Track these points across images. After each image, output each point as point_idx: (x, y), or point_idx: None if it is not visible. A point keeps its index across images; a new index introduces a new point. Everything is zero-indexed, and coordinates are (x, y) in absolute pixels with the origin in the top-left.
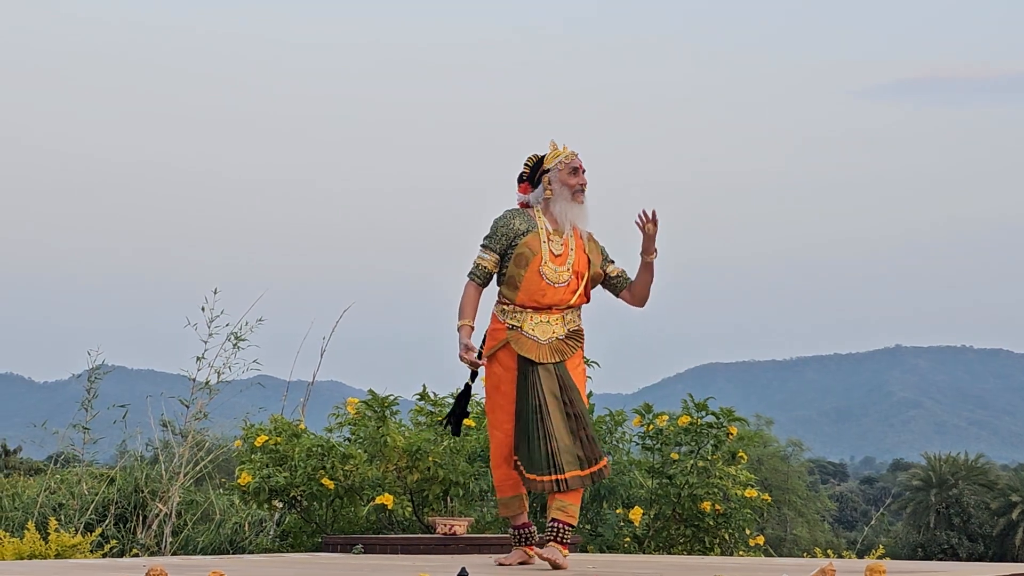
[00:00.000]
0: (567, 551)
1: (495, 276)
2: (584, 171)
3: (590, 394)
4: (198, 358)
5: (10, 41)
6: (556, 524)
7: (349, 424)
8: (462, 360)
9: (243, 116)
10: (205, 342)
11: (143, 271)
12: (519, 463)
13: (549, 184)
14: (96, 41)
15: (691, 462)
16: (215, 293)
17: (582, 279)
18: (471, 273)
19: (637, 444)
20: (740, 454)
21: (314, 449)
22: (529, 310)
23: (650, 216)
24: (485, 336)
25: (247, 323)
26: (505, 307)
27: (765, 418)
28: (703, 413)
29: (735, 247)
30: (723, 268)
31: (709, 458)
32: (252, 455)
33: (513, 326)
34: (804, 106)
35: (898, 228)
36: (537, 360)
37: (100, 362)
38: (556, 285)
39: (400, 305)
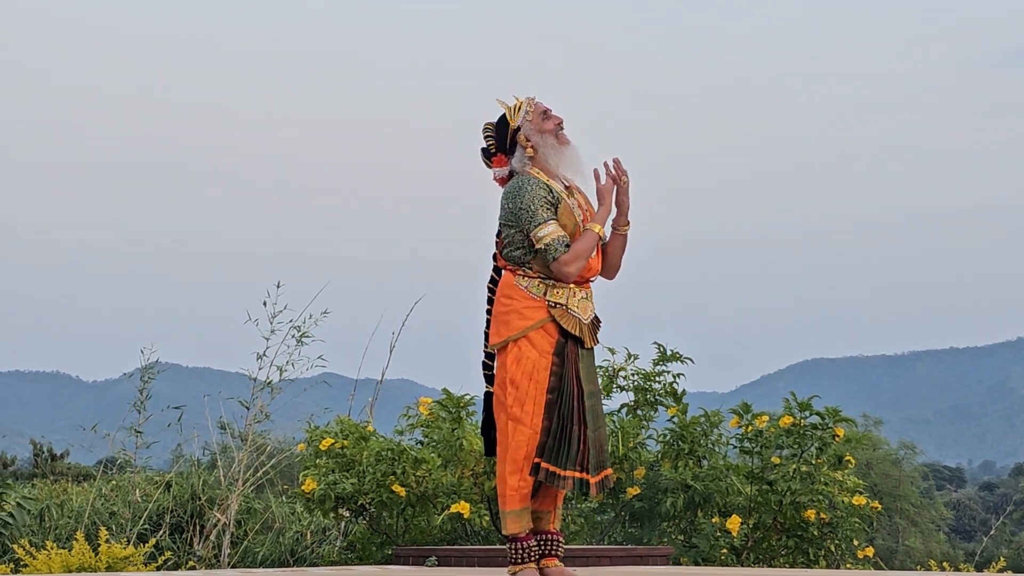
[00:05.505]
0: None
1: (516, 253)
2: (552, 110)
3: (683, 393)
4: (259, 355)
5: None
6: (553, 536)
7: (421, 426)
8: (614, 182)
9: (306, 99)
10: (267, 339)
11: (200, 263)
12: (544, 464)
13: (527, 140)
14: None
15: (794, 467)
16: (277, 287)
17: None
18: (556, 250)
19: (735, 447)
20: (847, 458)
21: (384, 453)
22: (572, 285)
23: (616, 166)
24: (509, 317)
25: (311, 316)
26: (542, 282)
27: (874, 418)
28: (806, 413)
29: (837, 228)
30: (826, 252)
31: (813, 462)
32: (317, 460)
33: (556, 303)
34: (911, 71)
35: (1021, 203)
36: (583, 341)
37: (154, 360)
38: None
39: (477, 296)
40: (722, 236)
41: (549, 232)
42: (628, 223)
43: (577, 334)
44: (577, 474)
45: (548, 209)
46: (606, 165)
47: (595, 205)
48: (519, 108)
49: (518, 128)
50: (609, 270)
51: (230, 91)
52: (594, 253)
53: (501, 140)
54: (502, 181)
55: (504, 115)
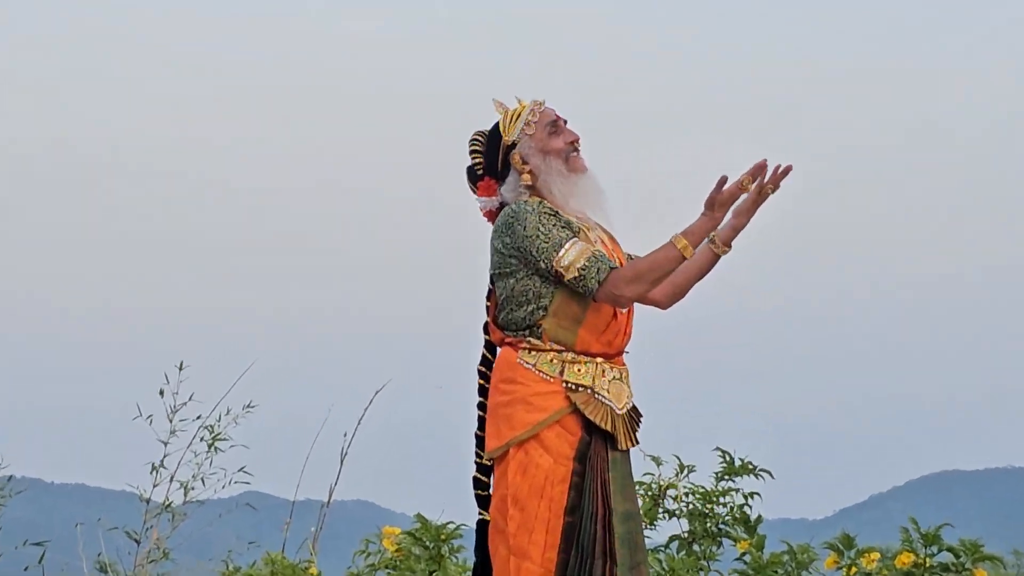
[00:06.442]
0: None
1: (520, 312)
2: (566, 121)
3: (758, 520)
4: (155, 467)
5: None
6: None
7: (386, 567)
8: (724, 194)
9: (218, 101)
10: (165, 443)
11: (70, 336)
12: None
13: (524, 163)
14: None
15: None
16: (180, 369)
17: None
18: (598, 270)
19: None
20: None
21: None
22: (599, 359)
23: (778, 174)
24: (512, 409)
25: (228, 411)
26: (555, 356)
27: None
28: (934, 548)
29: (973, 289)
30: (958, 325)
31: None
32: None
33: (578, 385)
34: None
35: None
36: (617, 441)
37: (6, 475)
38: (623, 311)
39: (465, 382)
40: (810, 302)
41: (579, 252)
42: (730, 247)
43: (608, 429)
44: None
45: (565, 228)
46: (764, 167)
47: (623, 245)
48: (517, 116)
49: (513, 144)
50: (675, 290)
51: (133, 89)
52: (628, 310)
53: (492, 158)
54: (491, 215)
55: (499, 122)
